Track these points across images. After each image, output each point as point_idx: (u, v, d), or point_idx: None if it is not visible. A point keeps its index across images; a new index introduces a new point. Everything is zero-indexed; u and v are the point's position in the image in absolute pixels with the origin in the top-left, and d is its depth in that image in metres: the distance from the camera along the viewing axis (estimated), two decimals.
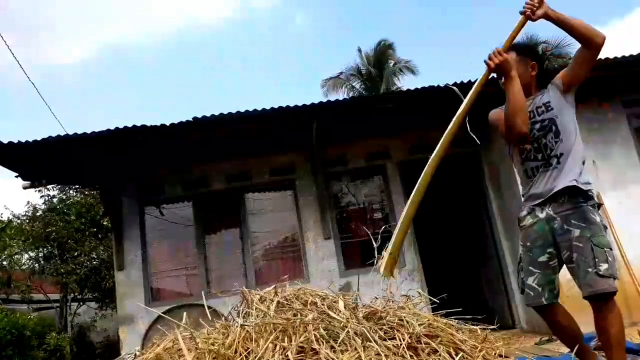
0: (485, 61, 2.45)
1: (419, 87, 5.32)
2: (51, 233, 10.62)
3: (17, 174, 5.73)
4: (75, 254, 10.87)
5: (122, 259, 6.11)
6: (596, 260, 2.17)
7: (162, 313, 5.78)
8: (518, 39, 2.53)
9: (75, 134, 5.19)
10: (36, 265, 11.87)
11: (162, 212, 6.48)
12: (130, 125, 5.11)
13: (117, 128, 5.13)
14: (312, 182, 6.29)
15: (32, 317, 9.82)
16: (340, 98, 18.33)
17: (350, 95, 20.22)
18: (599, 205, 2.35)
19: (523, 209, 2.48)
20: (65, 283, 10.86)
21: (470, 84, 5.26)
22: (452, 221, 7.84)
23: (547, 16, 2.31)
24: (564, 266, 2.36)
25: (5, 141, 4.97)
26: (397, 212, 6.20)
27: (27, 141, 5.00)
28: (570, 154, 2.36)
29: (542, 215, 2.37)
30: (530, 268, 2.37)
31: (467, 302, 7.80)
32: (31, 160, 5.48)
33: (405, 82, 20.89)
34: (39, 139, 5.03)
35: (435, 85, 5.26)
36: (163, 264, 6.31)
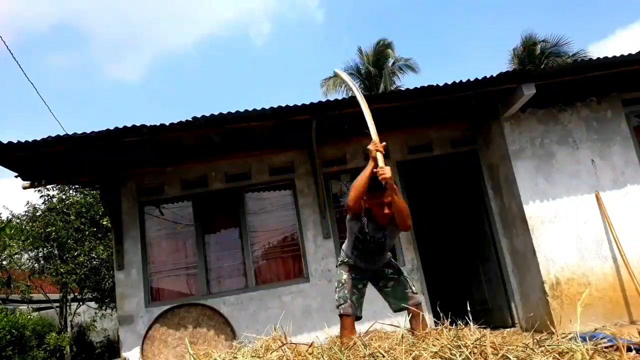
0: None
1: (418, 87, 5.31)
2: (51, 233, 10.63)
3: (16, 174, 5.73)
4: (75, 253, 10.87)
5: (122, 259, 6.10)
6: (409, 284, 3.45)
7: (162, 313, 5.81)
8: None
9: (75, 133, 5.19)
10: (36, 265, 11.86)
11: (161, 211, 6.48)
12: (129, 125, 5.12)
13: (116, 128, 5.13)
14: (311, 181, 6.29)
15: (32, 317, 9.84)
16: (340, 98, 18.37)
17: (350, 94, 20.20)
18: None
19: (349, 257, 3.48)
20: (65, 283, 10.86)
21: (473, 82, 5.26)
22: (451, 221, 7.85)
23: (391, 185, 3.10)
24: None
25: (5, 141, 4.97)
26: None
27: (26, 141, 5.00)
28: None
29: (365, 266, 3.48)
30: (354, 290, 3.44)
31: (467, 301, 7.81)
32: (31, 160, 5.48)
33: (406, 81, 20.91)
34: (38, 139, 5.03)
35: (435, 84, 5.26)
36: (163, 264, 6.30)
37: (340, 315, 3.48)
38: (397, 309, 3.42)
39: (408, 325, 3.38)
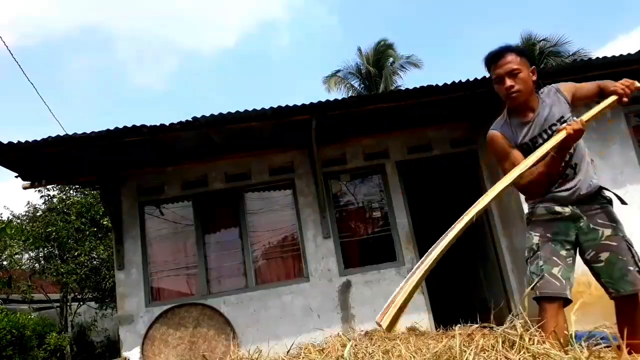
0: (566, 127, 2.17)
1: (418, 87, 5.33)
2: (51, 233, 10.65)
3: (17, 174, 5.74)
4: (76, 253, 10.90)
5: (122, 259, 6.11)
6: (635, 258, 2.21)
7: (162, 312, 5.82)
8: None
9: (75, 134, 5.20)
10: (36, 265, 11.89)
11: (162, 211, 6.49)
12: (129, 125, 5.13)
13: (116, 128, 5.14)
14: (311, 181, 6.30)
15: (32, 317, 9.85)
16: (340, 96, 18.42)
17: (350, 94, 20.24)
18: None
19: (535, 207, 2.37)
20: (65, 283, 10.88)
21: (473, 82, 5.27)
22: (451, 221, 7.84)
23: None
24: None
25: (5, 141, 4.98)
26: (396, 211, 6.22)
27: (27, 141, 5.02)
28: (584, 161, 2.37)
29: (565, 211, 2.28)
30: (554, 258, 2.23)
31: (466, 301, 7.82)
32: (31, 160, 5.49)
33: (409, 78, 20.91)
34: (38, 139, 5.04)
35: (434, 84, 5.27)
36: (163, 264, 6.31)
37: (537, 299, 2.24)
38: (616, 295, 2.23)
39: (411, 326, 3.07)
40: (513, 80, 2.28)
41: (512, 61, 2.29)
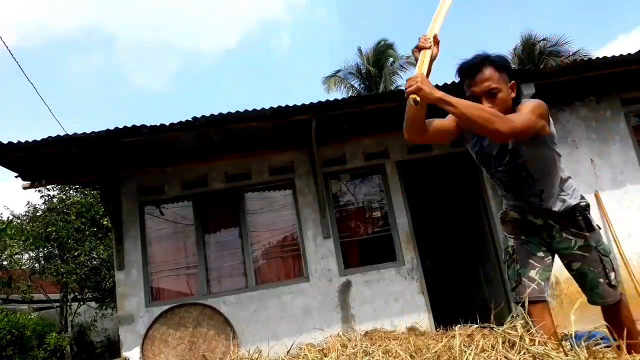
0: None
1: None
2: (51, 233, 10.65)
3: (17, 174, 5.74)
4: (76, 253, 10.90)
5: (122, 259, 6.12)
6: (606, 270, 2.16)
7: (162, 312, 5.82)
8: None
9: (75, 134, 5.21)
10: (36, 265, 11.89)
11: (162, 211, 6.49)
12: (129, 125, 5.13)
13: (116, 128, 5.15)
14: (311, 181, 6.30)
15: (32, 317, 9.85)
16: (340, 96, 18.43)
17: (350, 94, 20.27)
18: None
19: (507, 209, 2.32)
20: (65, 283, 10.88)
21: None
22: (451, 221, 7.86)
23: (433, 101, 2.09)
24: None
25: (5, 141, 4.99)
26: (396, 211, 6.22)
27: (27, 141, 5.02)
28: (552, 186, 2.16)
29: (537, 221, 2.22)
30: (531, 261, 2.18)
31: (466, 301, 7.82)
32: (31, 160, 5.49)
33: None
34: (38, 139, 5.04)
35: (434, 84, 5.26)
36: (163, 264, 6.31)
37: (517, 304, 2.15)
38: (591, 302, 2.28)
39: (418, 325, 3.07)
40: (491, 101, 2.05)
41: (491, 78, 2.06)
